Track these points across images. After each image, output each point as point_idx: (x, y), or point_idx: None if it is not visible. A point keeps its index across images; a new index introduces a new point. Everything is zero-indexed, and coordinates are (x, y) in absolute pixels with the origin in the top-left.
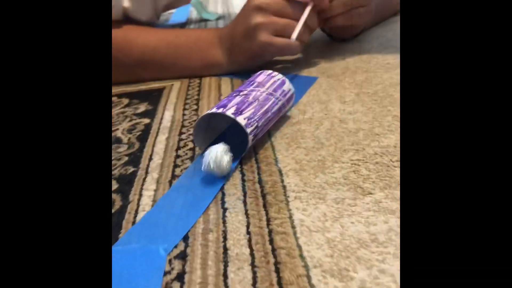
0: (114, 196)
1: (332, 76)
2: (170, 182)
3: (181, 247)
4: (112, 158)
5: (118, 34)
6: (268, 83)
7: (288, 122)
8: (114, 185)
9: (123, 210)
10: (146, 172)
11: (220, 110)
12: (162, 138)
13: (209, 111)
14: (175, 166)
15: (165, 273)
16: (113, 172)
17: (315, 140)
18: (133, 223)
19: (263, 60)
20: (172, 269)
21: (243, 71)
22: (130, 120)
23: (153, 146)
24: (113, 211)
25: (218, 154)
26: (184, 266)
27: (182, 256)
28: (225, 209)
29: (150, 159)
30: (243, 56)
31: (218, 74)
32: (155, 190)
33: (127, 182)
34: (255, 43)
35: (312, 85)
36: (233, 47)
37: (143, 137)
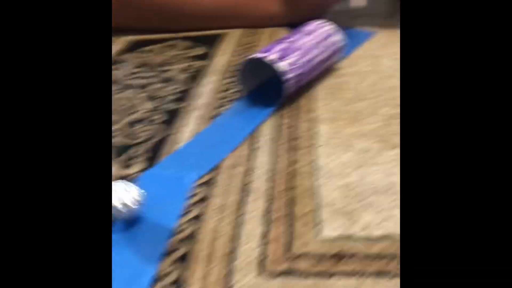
0: (159, 126)
1: (392, 33)
2: (211, 120)
3: (209, 176)
4: (165, 94)
5: None
6: (317, 32)
7: (334, 73)
8: (162, 116)
9: (165, 140)
10: (191, 109)
11: (262, 55)
12: (211, 79)
13: (251, 55)
14: (219, 106)
15: (190, 197)
16: (162, 106)
17: (356, 93)
18: (171, 152)
19: (324, 8)
20: (197, 194)
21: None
22: (186, 61)
23: (202, 86)
24: (156, 140)
25: (120, 193)
26: (208, 192)
27: (208, 184)
28: (255, 148)
29: (197, 97)
30: (304, 5)
31: (275, 26)
32: (196, 125)
33: (173, 116)
34: None
35: (367, 39)
36: None
37: (195, 77)
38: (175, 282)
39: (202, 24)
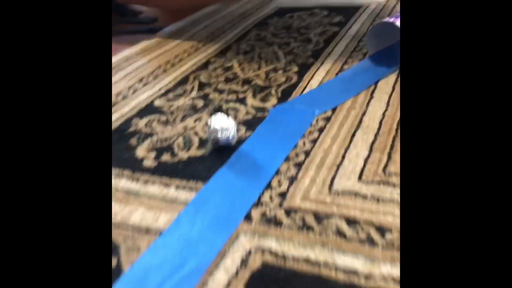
0: (293, 74)
1: None
2: (336, 74)
3: (329, 114)
4: (300, 52)
5: None
6: None
7: None
8: (295, 68)
9: (296, 85)
10: (321, 63)
11: (390, 20)
12: (343, 43)
13: (381, 20)
14: (344, 63)
15: (311, 125)
16: (297, 61)
17: None
18: (300, 94)
19: None
20: (317, 124)
21: None
22: (324, 27)
23: (334, 47)
24: (288, 84)
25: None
26: (326, 125)
27: (327, 119)
28: (372, 97)
29: (328, 55)
30: None
31: None
32: (323, 77)
33: (305, 68)
34: None
35: None
36: None
37: (329, 40)
38: (291, 177)
39: None
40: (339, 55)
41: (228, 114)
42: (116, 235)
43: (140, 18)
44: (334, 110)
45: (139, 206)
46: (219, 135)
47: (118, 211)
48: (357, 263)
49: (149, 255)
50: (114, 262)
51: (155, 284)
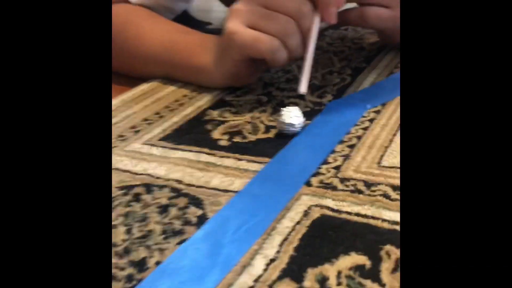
0: (346, 77)
1: None
2: (387, 76)
3: (379, 108)
4: (353, 58)
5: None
6: None
7: None
8: (349, 72)
9: (349, 85)
10: (373, 68)
11: None
12: (395, 50)
13: None
14: (394, 67)
15: (363, 116)
16: (351, 65)
17: None
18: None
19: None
20: (368, 115)
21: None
22: (377, 37)
23: (386, 54)
24: (342, 84)
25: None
26: (376, 116)
27: (377, 112)
28: None
29: (380, 61)
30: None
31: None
32: (375, 79)
33: (358, 72)
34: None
35: None
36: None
37: (381, 48)
38: (345, 155)
39: (146, 68)
40: (390, 61)
41: (299, 109)
42: (200, 194)
43: None
44: (384, 105)
45: (218, 174)
46: (285, 128)
47: (200, 176)
48: (398, 216)
49: (228, 207)
50: (199, 212)
51: (234, 229)
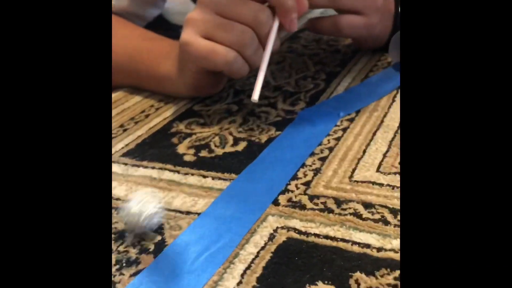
0: (320, 82)
1: None
2: (361, 81)
3: (353, 115)
4: (328, 61)
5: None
6: None
7: None
8: (323, 77)
9: (323, 91)
10: (347, 72)
11: None
12: (370, 52)
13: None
14: (370, 71)
15: (336, 125)
16: (325, 69)
17: None
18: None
19: (196, 74)
20: (341, 124)
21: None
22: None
23: (361, 57)
24: (316, 90)
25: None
26: (350, 125)
27: (351, 120)
28: (394, 101)
29: (354, 65)
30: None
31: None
32: (349, 84)
33: (332, 76)
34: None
35: None
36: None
37: (356, 50)
38: (315, 170)
39: (112, 76)
40: (365, 64)
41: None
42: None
43: None
44: (358, 112)
45: (180, 193)
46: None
47: (162, 197)
48: (370, 238)
49: (189, 232)
50: (158, 238)
51: (193, 257)
